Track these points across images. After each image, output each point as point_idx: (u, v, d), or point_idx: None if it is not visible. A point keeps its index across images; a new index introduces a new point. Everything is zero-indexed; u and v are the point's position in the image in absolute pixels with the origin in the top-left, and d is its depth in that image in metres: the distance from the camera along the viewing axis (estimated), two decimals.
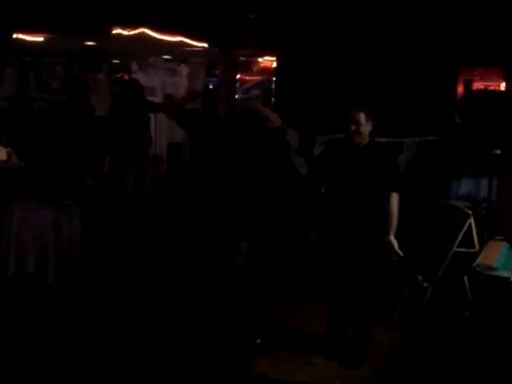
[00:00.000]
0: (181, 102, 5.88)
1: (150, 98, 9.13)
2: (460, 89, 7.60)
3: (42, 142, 6.90)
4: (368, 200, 4.55)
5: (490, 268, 3.95)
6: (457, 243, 5.20)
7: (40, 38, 8.59)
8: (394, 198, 4.50)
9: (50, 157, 6.69)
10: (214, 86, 6.16)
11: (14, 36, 8.53)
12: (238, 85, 9.73)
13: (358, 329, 4.70)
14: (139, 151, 7.16)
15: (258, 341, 4.56)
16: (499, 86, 7.49)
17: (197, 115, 5.86)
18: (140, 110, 7.22)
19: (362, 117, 4.50)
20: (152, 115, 8.81)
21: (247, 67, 9.80)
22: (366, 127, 4.54)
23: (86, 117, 6.84)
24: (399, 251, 4.46)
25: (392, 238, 4.47)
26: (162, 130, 8.90)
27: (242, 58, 9.63)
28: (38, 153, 7.00)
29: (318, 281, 5.20)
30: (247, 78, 9.90)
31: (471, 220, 5.25)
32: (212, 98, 5.69)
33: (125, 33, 7.85)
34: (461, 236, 5.20)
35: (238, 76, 9.72)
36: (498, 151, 5.65)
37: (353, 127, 4.49)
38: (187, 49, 8.62)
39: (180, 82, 9.35)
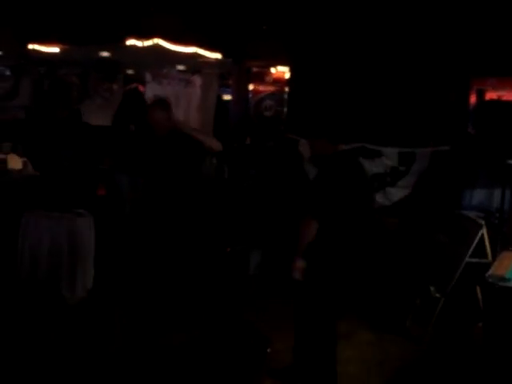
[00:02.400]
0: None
1: None
2: (473, 99, 7.58)
3: (44, 148, 6.99)
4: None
5: (503, 279, 3.95)
6: (469, 254, 5.19)
7: (55, 49, 8.65)
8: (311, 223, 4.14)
9: (49, 160, 6.77)
10: (149, 105, 5.80)
11: (30, 47, 8.60)
12: (250, 95, 9.77)
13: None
14: (136, 159, 7.17)
15: (269, 350, 4.57)
16: None
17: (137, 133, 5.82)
18: (137, 121, 7.19)
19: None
20: None
21: (260, 78, 9.84)
22: (326, 149, 4.40)
23: (71, 118, 6.88)
24: (299, 275, 4.14)
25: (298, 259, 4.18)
26: None
27: (254, 69, 9.68)
28: (44, 160, 7.10)
29: None
30: (260, 88, 9.94)
31: (484, 230, 5.24)
32: (148, 118, 5.36)
33: (139, 44, 7.88)
34: (473, 246, 5.19)
35: (251, 87, 9.76)
36: (511, 161, 5.64)
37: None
38: (201, 60, 8.66)
39: (193, 93, 9.40)
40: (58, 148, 6.91)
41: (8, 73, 10.01)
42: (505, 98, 7.56)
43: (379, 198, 6.75)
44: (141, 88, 9.74)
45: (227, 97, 10.39)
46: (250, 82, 9.68)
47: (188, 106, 9.38)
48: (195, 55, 8.31)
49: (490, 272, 4.12)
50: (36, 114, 9.14)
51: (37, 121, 7.71)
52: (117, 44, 8.08)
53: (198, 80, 9.41)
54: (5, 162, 8.31)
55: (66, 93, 6.90)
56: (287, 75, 9.31)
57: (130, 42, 7.88)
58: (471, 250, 5.19)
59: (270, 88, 9.85)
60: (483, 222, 5.31)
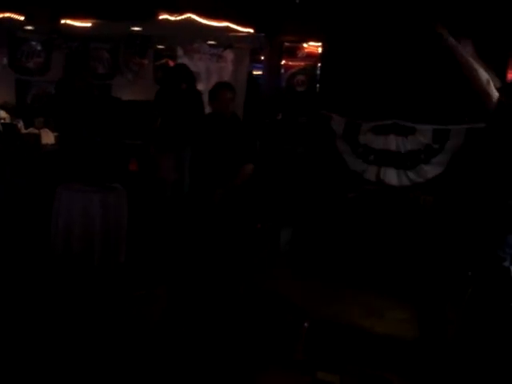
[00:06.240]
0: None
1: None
2: (510, 75, 7.42)
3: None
4: None
5: None
6: None
7: (87, 24, 8.66)
8: None
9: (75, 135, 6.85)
10: (216, 86, 5.70)
11: (62, 21, 8.61)
12: (282, 71, 9.68)
13: None
14: (182, 137, 7.19)
15: (306, 324, 4.56)
16: None
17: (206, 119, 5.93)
18: (185, 97, 7.24)
19: None
20: None
21: (292, 53, 9.73)
22: None
23: (87, 89, 6.91)
24: None
25: None
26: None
27: (286, 44, 9.58)
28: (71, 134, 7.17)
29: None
30: (291, 63, 9.83)
31: None
32: (219, 99, 5.51)
33: (171, 18, 7.84)
34: None
35: (283, 62, 9.67)
36: None
37: None
38: (233, 34, 8.60)
39: (225, 68, 9.36)
40: (84, 122, 6.98)
41: (40, 48, 10.05)
42: None
43: (412, 175, 6.66)
44: (171, 63, 9.72)
45: (257, 72, 10.33)
46: (281, 57, 9.59)
47: (219, 81, 9.35)
48: (227, 30, 8.25)
49: None
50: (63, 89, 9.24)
51: (64, 95, 7.76)
52: (148, 19, 8.05)
53: (229, 55, 9.37)
54: (38, 136, 8.40)
55: (85, 63, 6.94)
56: (319, 50, 9.20)
57: (162, 16, 7.85)
58: None
59: (302, 63, 9.73)
60: None
